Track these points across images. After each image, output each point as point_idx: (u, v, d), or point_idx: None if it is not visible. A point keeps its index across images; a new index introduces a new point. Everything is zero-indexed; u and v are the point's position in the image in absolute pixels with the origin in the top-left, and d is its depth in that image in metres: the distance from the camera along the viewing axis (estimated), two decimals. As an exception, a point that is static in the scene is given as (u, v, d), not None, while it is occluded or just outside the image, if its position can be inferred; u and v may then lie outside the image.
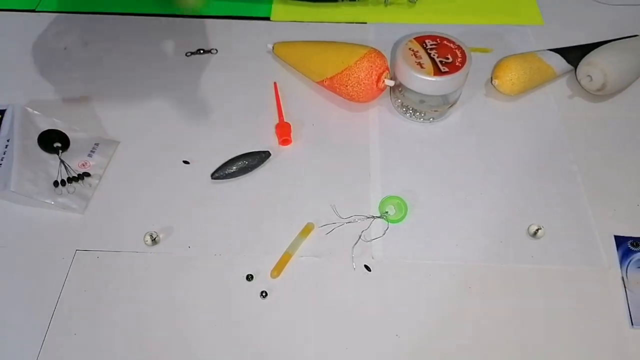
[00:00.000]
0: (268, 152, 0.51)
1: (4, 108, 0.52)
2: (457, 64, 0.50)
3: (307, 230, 0.46)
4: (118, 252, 0.46)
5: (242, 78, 0.58)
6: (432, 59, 0.50)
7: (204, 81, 0.58)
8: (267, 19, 0.64)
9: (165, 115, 0.55)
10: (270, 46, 0.60)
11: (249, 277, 0.44)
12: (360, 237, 0.46)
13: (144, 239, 0.46)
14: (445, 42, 0.52)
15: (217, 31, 0.63)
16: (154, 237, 0.46)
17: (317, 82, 0.56)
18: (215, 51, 0.61)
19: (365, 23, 0.64)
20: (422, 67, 0.50)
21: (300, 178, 0.50)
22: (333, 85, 0.54)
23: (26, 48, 0.61)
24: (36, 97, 0.56)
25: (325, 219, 0.47)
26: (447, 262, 0.45)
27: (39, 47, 0.61)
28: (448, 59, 0.50)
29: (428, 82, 0.50)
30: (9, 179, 0.47)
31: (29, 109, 0.51)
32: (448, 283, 0.44)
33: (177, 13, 0.65)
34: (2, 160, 0.49)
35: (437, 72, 0.50)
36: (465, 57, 0.51)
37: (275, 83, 0.58)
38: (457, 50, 0.51)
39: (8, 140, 0.50)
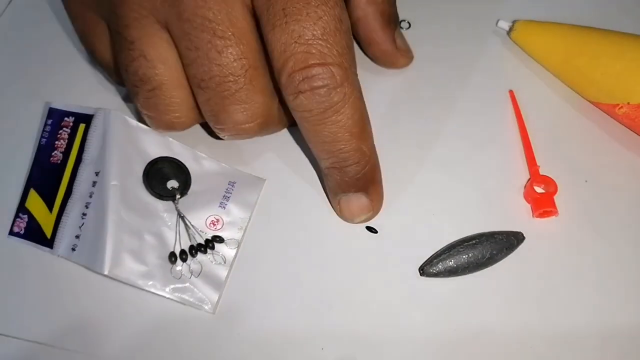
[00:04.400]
0: (520, 234, 0.30)
1: (90, 113, 0.32)
2: None
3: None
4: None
5: (449, 79, 0.36)
6: None
7: (384, 81, 0.36)
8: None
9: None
10: (505, 25, 0.36)
11: None
12: None
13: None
14: None
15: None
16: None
17: (597, 105, 0.33)
18: (408, 25, 0.38)
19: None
20: None
21: (578, 279, 0.29)
22: (638, 118, 0.31)
23: None
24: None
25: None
26: None
27: None
28: None
29: None
30: (101, 251, 0.28)
31: (131, 120, 0.31)
32: None
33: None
34: (87, 207, 0.30)
35: None
36: None
37: (512, 93, 0.35)
38: None
39: (97, 174, 0.31)
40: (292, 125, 0.31)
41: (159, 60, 0.27)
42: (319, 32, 0.24)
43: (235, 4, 0.25)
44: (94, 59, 0.32)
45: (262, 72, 0.27)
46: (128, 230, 0.29)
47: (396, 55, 0.34)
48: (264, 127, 0.28)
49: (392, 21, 0.33)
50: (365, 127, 0.27)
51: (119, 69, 0.29)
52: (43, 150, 0.33)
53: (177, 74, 0.27)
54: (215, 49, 0.25)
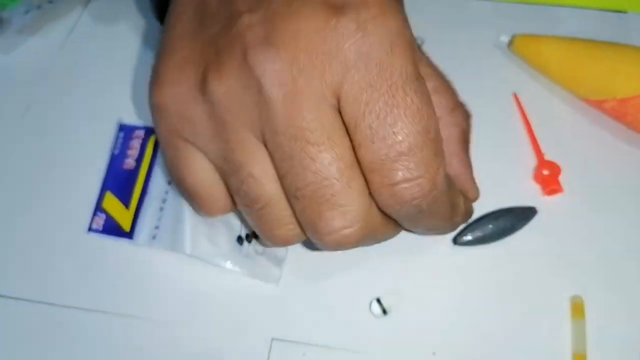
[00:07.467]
0: (533, 208, 0.35)
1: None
2: None
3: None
4: (329, 348, 0.32)
5: (461, 86, 0.41)
6: None
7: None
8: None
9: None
10: (506, 39, 0.43)
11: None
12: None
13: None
14: None
15: (424, 11, 0.46)
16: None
17: (587, 101, 0.39)
18: (421, 42, 0.44)
19: (625, 12, 0.46)
20: None
21: (581, 244, 0.34)
22: (623, 110, 0.37)
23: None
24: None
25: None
26: None
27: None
28: None
29: None
30: (181, 236, 0.33)
31: (198, 128, 0.37)
32: None
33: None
34: (164, 202, 0.36)
35: None
36: None
37: (515, 96, 0.41)
38: None
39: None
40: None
41: (265, 177, 0.25)
42: (404, 148, 0.23)
43: (326, 108, 0.24)
44: (181, 189, 0.30)
45: (359, 173, 0.24)
46: (202, 218, 0.34)
47: (470, 183, 0.33)
48: (367, 233, 0.25)
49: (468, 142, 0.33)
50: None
51: (218, 196, 0.29)
52: (116, 159, 0.38)
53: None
54: (308, 155, 0.24)
